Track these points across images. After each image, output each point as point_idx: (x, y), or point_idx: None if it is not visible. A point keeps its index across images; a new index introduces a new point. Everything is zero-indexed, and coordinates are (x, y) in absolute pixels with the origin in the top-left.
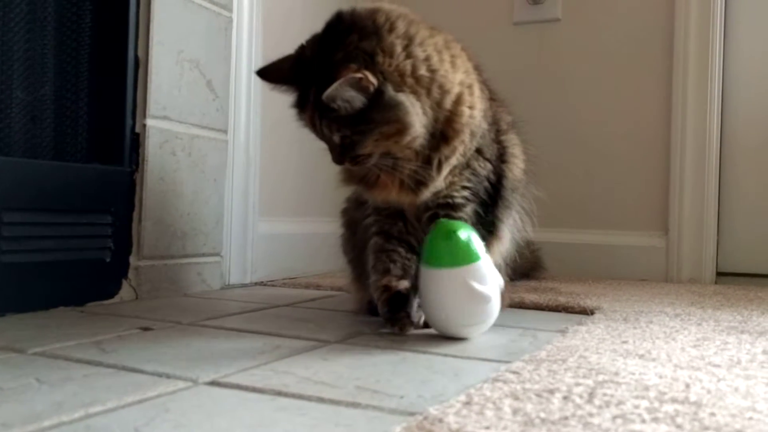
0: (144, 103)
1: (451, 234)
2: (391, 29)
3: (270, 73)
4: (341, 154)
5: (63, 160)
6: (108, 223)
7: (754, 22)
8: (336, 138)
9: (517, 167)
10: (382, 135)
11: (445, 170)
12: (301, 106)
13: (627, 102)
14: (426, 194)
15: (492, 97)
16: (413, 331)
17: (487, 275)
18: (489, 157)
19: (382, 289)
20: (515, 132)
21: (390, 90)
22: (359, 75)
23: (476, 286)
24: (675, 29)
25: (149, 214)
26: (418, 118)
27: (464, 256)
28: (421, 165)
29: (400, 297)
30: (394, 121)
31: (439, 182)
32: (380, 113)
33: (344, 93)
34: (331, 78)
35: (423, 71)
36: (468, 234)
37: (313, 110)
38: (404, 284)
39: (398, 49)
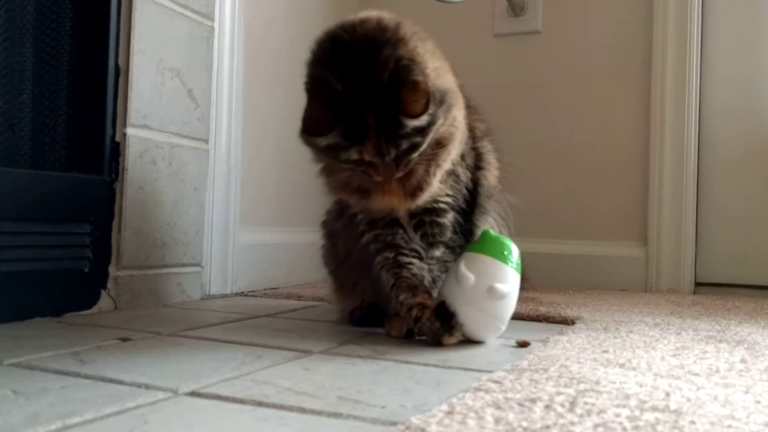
0: (124, 112)
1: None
2: (410, 36)
3: (317, 128)
4: (397, 167)
5: (41, 169)
6: (87, 233)
7: (730, 37)
8: (394, 153)
9: (492, 174)
10: (432, 140)
11: (440, 175)
12: (355, 139)
13: (606, 113)
14: (423, 199)
15: (467, 104)
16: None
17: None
18: (469, 163)
19: (419, 306)
20: (489, 139)
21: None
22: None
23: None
24: (653, 44)
25: (129, 224)
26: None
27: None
28: (426, 169)
29: (444, 307)
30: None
31: (434, 187)
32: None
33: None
34: (395, 98)
35: (438, 75)
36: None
37: (378, 136)
38: (436, 299)
39: (425, 56)
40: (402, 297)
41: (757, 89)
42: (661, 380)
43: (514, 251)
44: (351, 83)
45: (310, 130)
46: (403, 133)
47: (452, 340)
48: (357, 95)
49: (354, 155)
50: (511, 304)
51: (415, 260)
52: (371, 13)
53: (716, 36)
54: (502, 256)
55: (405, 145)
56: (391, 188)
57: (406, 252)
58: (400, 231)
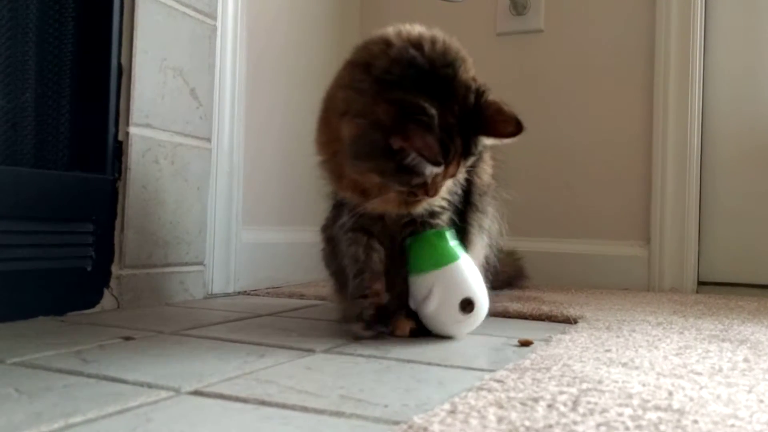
0: (127, 111)
1: (431, 238)
2: (465, 54)
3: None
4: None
5: (44, 167)
6: (89, 232)
7: (733, 35)
8: (460, 172)
9: (485, 172)
10: None
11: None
12: (445, 160)
13: (609, 112)
14: (420, 209)
15: None
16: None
17: (468, 275)
18: None
19: (375, 295)
20: None
21: None
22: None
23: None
24: (656, 42)
25: (131, 223)
26: None
27: (444, 258)
28: None
29: (386, 311)
30: None
31: (436, 200)
32: None
33: None
34: (485, 121)
35: None
36: (445, 236)
37: (460, 159)
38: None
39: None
40: (364, 276)
41: (760, 88)
42: (664, 379)
43: (445, 240)
44: (442, 107)
45: (439, 161)
46: (475, 152)
47: (367, 333)
48: (449, 119)
49: (427, 178)
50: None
51: (379, 247)
52: (416, 28)
53: (719, 34)
54: (447, 258)
55: (470, 163)
56: (391, 197)
57: (376, 240)
58: (380, 222)
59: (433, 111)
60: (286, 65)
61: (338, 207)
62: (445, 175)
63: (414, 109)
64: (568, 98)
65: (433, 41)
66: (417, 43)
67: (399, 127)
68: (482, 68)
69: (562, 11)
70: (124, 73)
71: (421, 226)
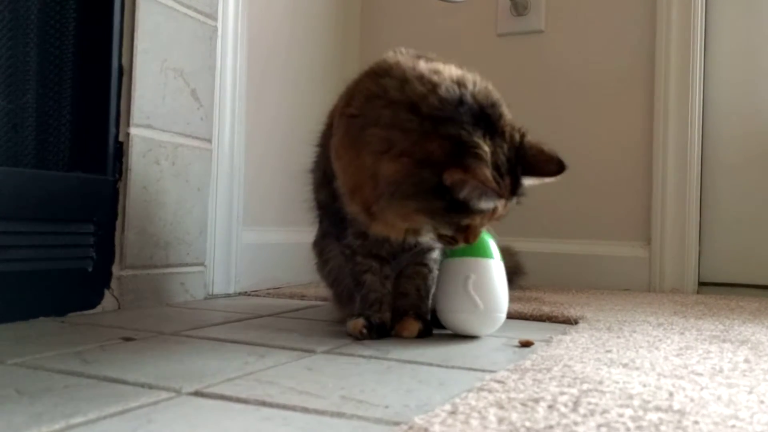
0: (128, 112)
1: None
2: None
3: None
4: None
5: (45, 168)
6: (90, 233)
7: (734, 37)
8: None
9: None
10: None
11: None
12: (504, 194)
13: (609, 113)
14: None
15: None
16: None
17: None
18: None
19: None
20: None
21: None
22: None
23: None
24: (656, 44)
25: (132, 224)
26: None
27: (482, 251)
28: None
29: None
30: None
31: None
32: None
33: None
34: (527, 161)
35: None
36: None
37: (510, 197)
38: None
39: None
40: (372, 309)
41: (760, 90)
42: (665, 380)
43: (487, 235)
44: (493, 145)
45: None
46: (521, 193)
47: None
48: (500, 157)
49: (475, 219)
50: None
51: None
52: (455, 69)
53: (720, 36)
54: (485, 252)
55: (514, 203)
56: (393, 225)
57: (387, 264)
58: (386, 244)
59: (487, 147)
60: (287, 66)
61: (324, 221)
62: (492, 216)
63: (470, 143)
64: (569, 99)
65: (474, 81)
66: (461, 82)
67: (455, 161)
68: (482, 69)
69: (562, 12)
70: (125, 73)
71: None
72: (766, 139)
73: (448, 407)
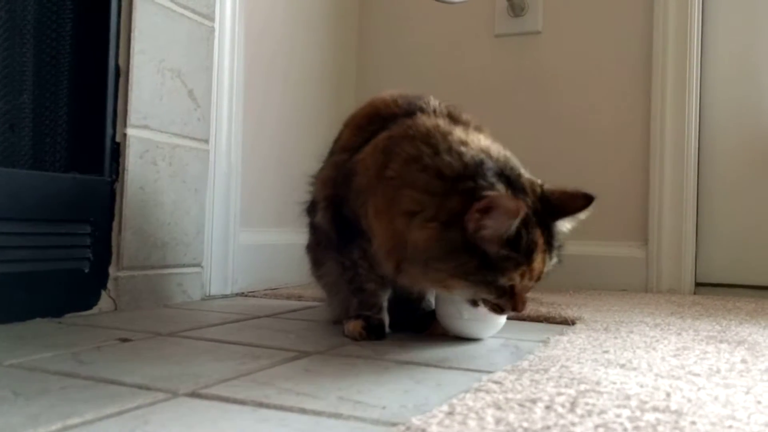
0: (124, 113)
1: None
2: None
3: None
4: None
5: (42, 169)
6: (87, 233)
7: (730, 36)
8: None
9: None
10: None
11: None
12: (528, 254)
13: (606, 114)
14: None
15: (449, 113)
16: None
17: None
18: None
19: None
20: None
21: None
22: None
23: None
24: (654, 44)
25: (129, 224)
26: None
27: None
28: None
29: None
30: None
31: None
32: None
33: None
34: (554, 206)
35: None
36: None
37: (545, 251)
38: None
39: None
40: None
41: (757, 90)
42: (662, 381)
43: None
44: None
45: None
46: (556, 244)
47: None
48: (535, 214)
49: (514, 277)
50: None
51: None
52: (483, 140)
53: (716, 35)
54: None
55: (555, 260)
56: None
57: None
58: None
59: (502, 189)
60: (284, 66)
61: (315, 227)
62: (531, 275)
63: (486, 187)
64: (566, 100)
65: (498, 150)
66: (486, 151)
67: (472, 204)
68: (479, 70)
69: (559, 13)
70: (122, 74)
71: None
72: (763, 141)
73: (445, 408)
